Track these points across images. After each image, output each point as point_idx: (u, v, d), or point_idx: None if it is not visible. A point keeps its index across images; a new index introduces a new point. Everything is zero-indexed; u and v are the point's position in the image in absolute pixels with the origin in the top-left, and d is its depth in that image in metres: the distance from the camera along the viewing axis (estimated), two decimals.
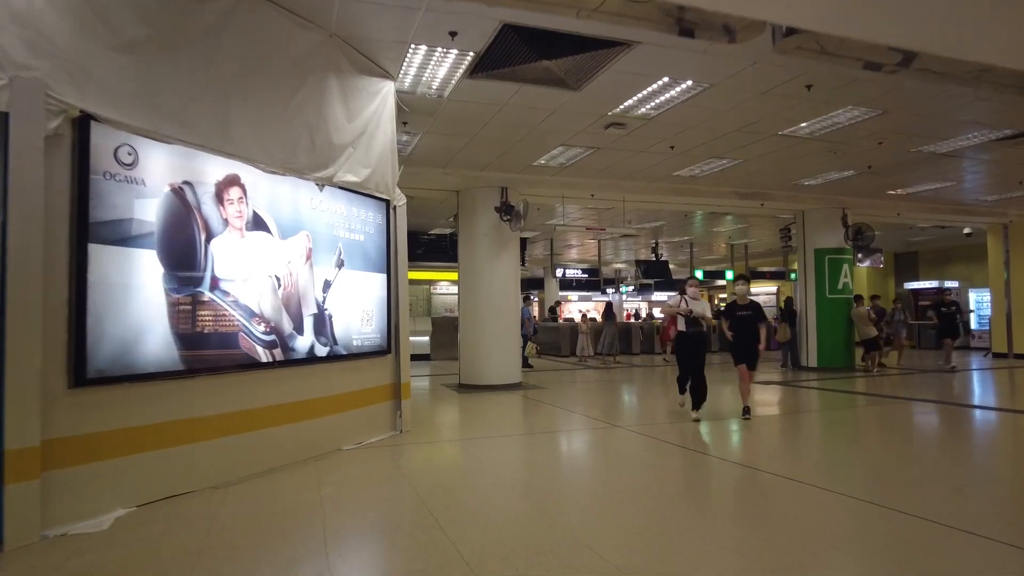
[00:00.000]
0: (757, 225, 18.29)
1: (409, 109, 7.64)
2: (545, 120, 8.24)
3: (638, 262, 22.92)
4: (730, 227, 18.82)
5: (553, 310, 22.74)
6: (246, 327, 5.07)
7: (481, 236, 10.87)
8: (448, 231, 17.84)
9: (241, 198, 5.11)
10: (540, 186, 11.45)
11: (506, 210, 10.54)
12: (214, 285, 4.83)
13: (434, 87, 7.11)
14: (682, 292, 7.50)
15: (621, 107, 7.77)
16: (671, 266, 23.91)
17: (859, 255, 13.89)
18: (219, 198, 4.92)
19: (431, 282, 21.61)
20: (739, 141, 9.31)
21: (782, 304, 15.41)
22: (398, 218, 7.02)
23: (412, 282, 21.02)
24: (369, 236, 6.56)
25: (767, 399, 9.80)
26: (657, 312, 25.56)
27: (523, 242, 19.99)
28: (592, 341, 17.42)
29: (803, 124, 8.53)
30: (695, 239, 21.79)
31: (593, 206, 14.16)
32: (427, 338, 17.28)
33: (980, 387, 11.27)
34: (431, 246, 18.73)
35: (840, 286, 13.74)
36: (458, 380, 11.06)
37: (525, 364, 14.69)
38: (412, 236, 18.82)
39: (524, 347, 15.14)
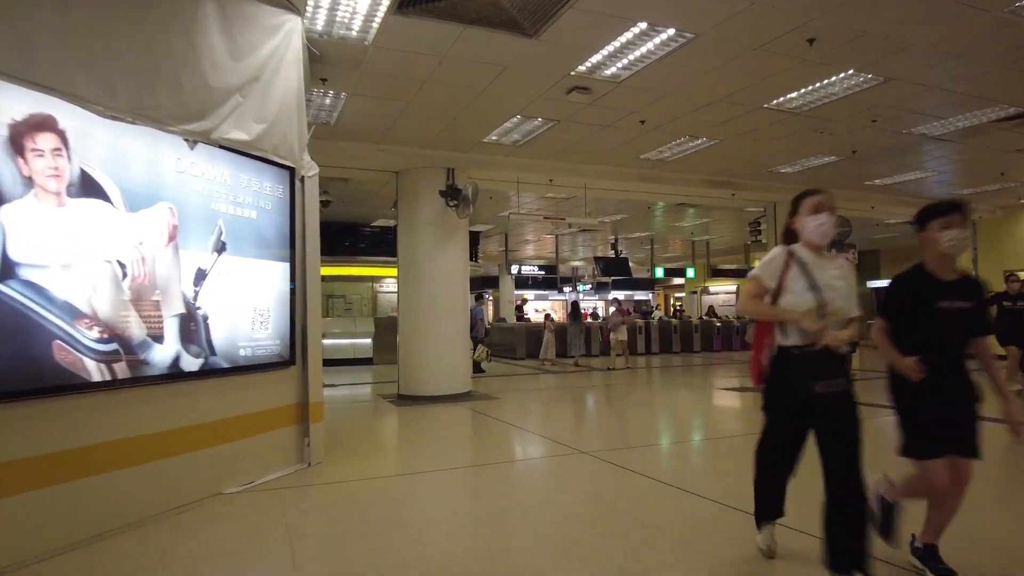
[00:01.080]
0: (720, 219, 17.33)
1: (325, 57, 6.17)
2: (496, 80, 6.88)
3: (597, 259, 21.81)
4: (692, 222, 17.82)
5: (520, 308, 21.52)
6: (66, 333, 3.56)
7: (424, 224, 9.44)
8: (393, 222, 16.35)
9: (58, 150, 3.59)
10: (492, 168, 10.08)
11: (452, 194, 9.14)
12: (6, 272, 3.31)
13: (354, 28, 5.65)
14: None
15: (587, 64, 6.46)
16: (630, 264, 22.91)
17: (832, 250, 12.99)
18: (17, 147, 3.39)
19: (376, 279, 20.03)
20: (719, 115, 8.13)
21: None
22: (308, 192, 5.56)
23: (355, 279, 19.47)
24: (265, 213, 5.08)
25: (754, 413, 8.70)
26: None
27: (476, 237, 18.69)
28: (557, 342, 16.22)
29: (793, 94, 7.39)
30: (655, 235, 20.76)
31: (552, 194, 12.88)
32: (370, 340, 15.73)
33: None
34: (376, 239, 17.16)
35: None
36: (397, 390, 9.61)
37: (477, 370, 13.34)
38: (354, 228, 17.26)
39: (474, 351, 13.80)
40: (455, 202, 9.07)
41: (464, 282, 9.86)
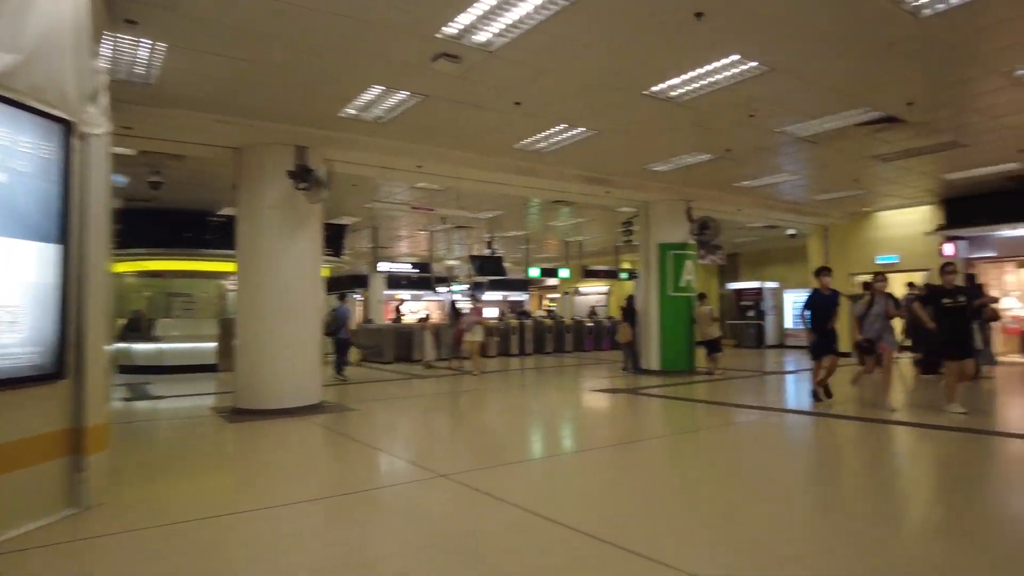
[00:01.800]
0: (594, 219, 17.20)
1: None
2: (353, 38, 5.87)
3: (473, 258, 21.08)
4: (567, 221, 17.58)
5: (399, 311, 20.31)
6: None
7: (268, 210, 8.16)
8: None
9: None
10: (354, 149, 8.97)
11: (302, 175, 7.94)
12: None
13: None
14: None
15: (455, 24, 5.62)
16: (505, 264, 22.42)
17: (702, 251, 13.12)
18: None
19: (225, 275, 18.01)
20: (598, 101, 7.61)
21: (622, 302, 14.35)
22: (94, 155, 4.27)
23: (200, 275, 17.37)
24: (19, 177, 3.75)
25: (628, 418, 8.26)
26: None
27: (340, 230, 17.30)
28: (434, 344, 15.26)
29: (676, 80, 6.99)
30: (531, 234, 20.39)
31: (424, 184, 11.94)
32: (213, 344, 13.94)
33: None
34: (224, 230, 15.22)
35: (683, 283, 12.83)
36: (234, 403, 8.24)
37: (339, 372, 12.13)
38: (198, 218, 15.31)
39: (345, 353, 12.57)
40: (305, 184, 7.89)
41: (315, 277, 8.66)
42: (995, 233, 13.68)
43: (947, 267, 7.56)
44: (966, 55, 6.43)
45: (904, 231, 15.28)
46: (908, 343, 14.14)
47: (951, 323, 7.32)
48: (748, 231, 18.47)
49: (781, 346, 21.01)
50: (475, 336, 13.12)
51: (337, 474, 5.46)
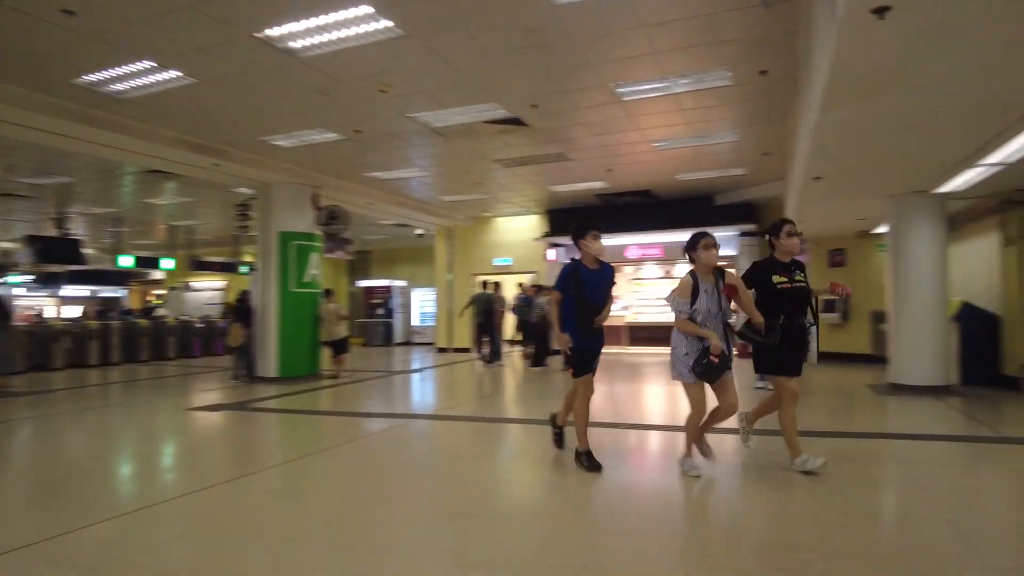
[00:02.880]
0: (206, 200, 14.61)
1: None
2: None
3: (31, 239, 16.03)
4: (171, 199, 14.58)
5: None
6: None
7: None
8: None
9: None
10: None
11: None
12: None
13: None
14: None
15: None
16: (88, 250, 17.86)
17: (329, 244, 12.01)
18: None
19: None
20: (195, 33, 5.84)
21: (234, 299, 12.37)
22: None
23: None
24: None
25: (232, 445, 6.60)
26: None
27: None
28: None
29: (296, 26, 5.69)
30: (124, 213, 16.49)
31: None
32: None
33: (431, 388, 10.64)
34: None
35: (308, 278, 11.54)
36: None
37: None
38: None
39: None
40: None
41: None
42: None
43: (785, 226, 4.64)
44: (584, 61, 6.63)
45: (517, 236, 16.61)
46: (519, 338, 15.40)
47: (787, 313, 4.42)
48: (380, 228, 18.06)
49: (408, 343, 21.27)
50: None
51: None
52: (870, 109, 4.75)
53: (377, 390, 10.08)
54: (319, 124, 8.67)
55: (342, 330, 11.51)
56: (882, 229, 11.60)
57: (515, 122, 8.60)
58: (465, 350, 17.02)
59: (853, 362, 12.42)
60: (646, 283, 17.44)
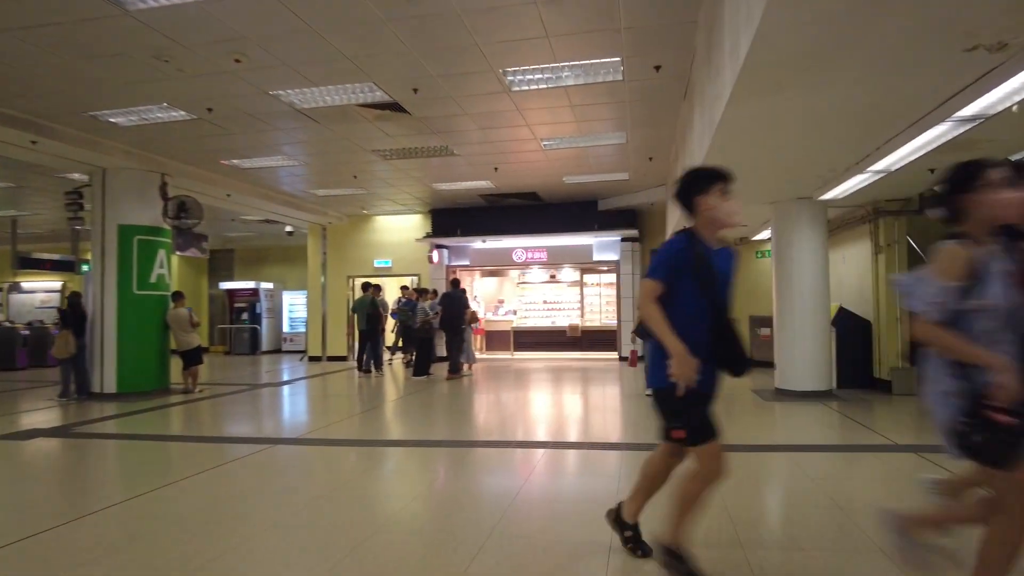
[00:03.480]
0: (33, 188, 12.53)
1: None
2: None
3: None
4: None
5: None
6: None
7: None
8: None
9: None
10: None
11: None
12: None
13: None
14: None
15: None
16: None
17: (180, 240, 10.55)
18: None
19: None
20: None
21: (63, 304, 10.59)
22: None
23: None
24: None
25: (55, 482, 5.30)
26: None
27: None
28: None
29: None
30: None
31: None
32: None
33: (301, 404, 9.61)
34: None
35: (154, 279, 10.06)
36: None
37: None
38: None
39: None
40: None
41: None
42: (470, 244, 15.12)
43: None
44: (470, 42, 6.00)
45: (398, 236, 15.71)
46: (399, 344, 14.52)
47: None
48: (245, 224, 16.47)
49: (279, 351, 19.67)
50: None
51: None
52: (776, 106, 4.49)
53: (237, 407, 8.88)
54: (163, 98, 7.43)
55: (194, 338, 10.14)
56: (761, 236, 11.94)
57: (394, 108, 7.82)
58: (341, 358, 15.87)
59: None
60: (531, 287, 17.15)
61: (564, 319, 16.32)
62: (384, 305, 12.89)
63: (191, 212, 10.33)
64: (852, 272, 9.50)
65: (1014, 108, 4.12)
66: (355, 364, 12.94)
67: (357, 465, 5.37)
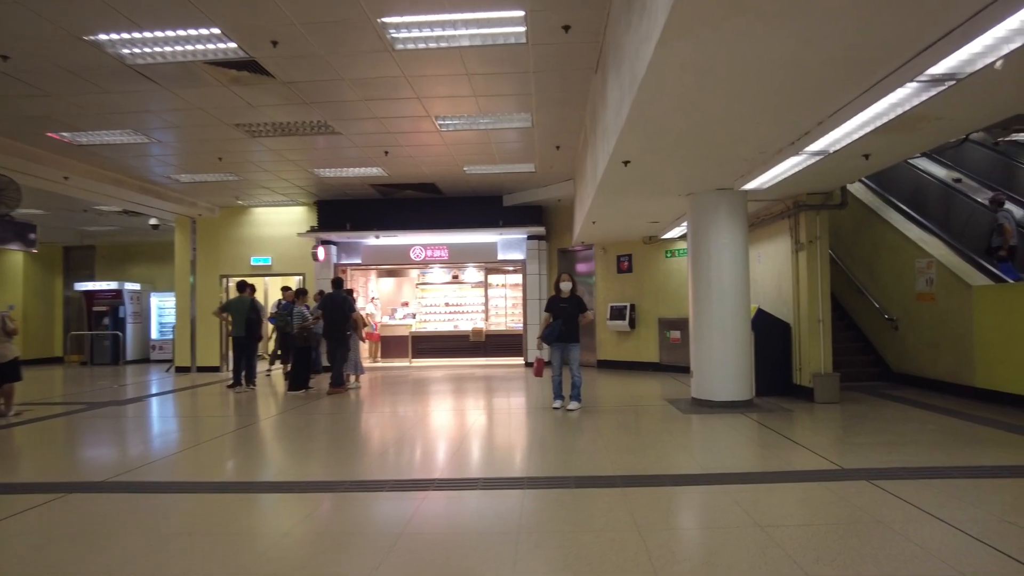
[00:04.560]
0: None
1: None
2: None
3: None
4: None
5: None
6: None
7: None
8: None
9: None
10: None
11: None
12: None
13: None
14: None
15: None
16: None
17: None
18: None
19: None
20: None
21: None
22: None
23: None
24: None
25: None
26: None
27: None
28: None
29: None
30: None
31: None
32: None
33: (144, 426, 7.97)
34: None
35: None
36: None
37: None
38: None
39: None
40: None
41: None
42: (362, 241, 13.71)
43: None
44: None
45: (279, 231, 14.05)
46: (278, 353, 12.89)
47: None
48: (103, 216, 14.24)
49: (147, 361, 17.38)
50: None
51: None
52: (718, 49, 3.57)
53: (52, 436, 7.13)
54: None
55: (9, 349, 8.22)
56: (671, 234, 11.31)
57: (252, 68, 6.44)
58: (212, 369, 14.00)
59: (642, 371, 12.02)
60: (432, 288, 15.91)
61: (468, 323, 15.19)
62: (262, 308, 11.29)
63: (6, 195, 8.44)
64: (770, 271, 8.93)
65: (998, 65, 3.41)
66: (231, 376, 11.21)
67: (161, 525, 4.00)
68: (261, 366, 12.44)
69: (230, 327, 10.69)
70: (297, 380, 10.03)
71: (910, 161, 10.62)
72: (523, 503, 4.06)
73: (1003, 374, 7.05)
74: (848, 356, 9.30)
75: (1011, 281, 7.56)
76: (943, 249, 8.31)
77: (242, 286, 10.72)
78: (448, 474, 4.92)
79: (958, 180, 10.23)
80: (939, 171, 10.56)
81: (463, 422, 7.35)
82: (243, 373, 10.56)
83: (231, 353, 10.97)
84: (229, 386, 10.69)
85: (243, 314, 10.42)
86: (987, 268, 7.86)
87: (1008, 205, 8.87)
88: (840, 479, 4.41)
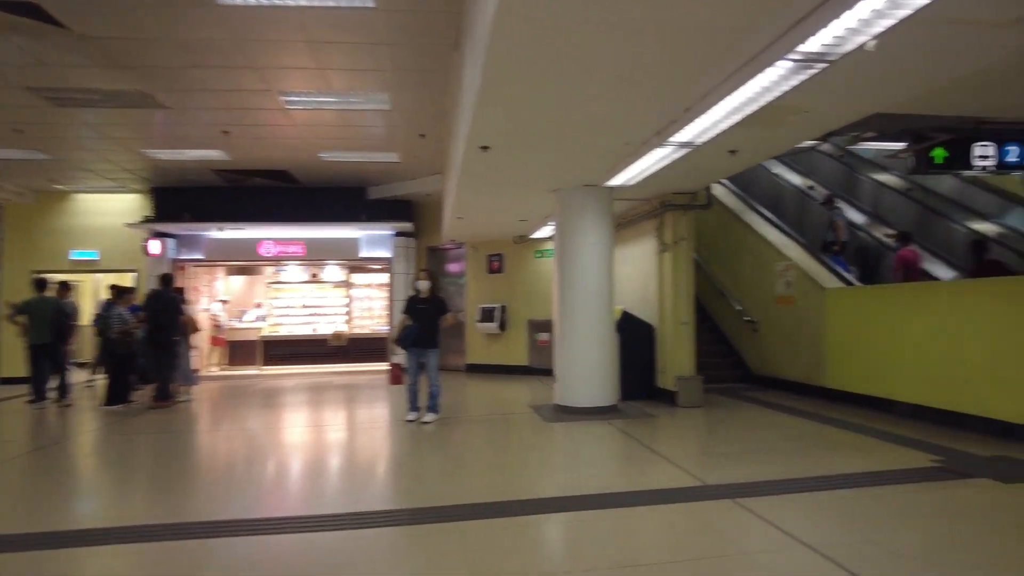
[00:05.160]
0: None
1: None
2: None
3: None
4: None
5: None
6: None
7: None
8: None
9: None
10: None
11: None
12: None
13: None
14: None
15: None
16: None
17: None
18: None
19: None
20: None
21: None
22: None
23: None
24: None
25: None
26: None
27: None
28: None
29: None
30: None
31: None
32: None
33: None
34: None
35: None
36: None
37: None
38: None
39: None
40: None
41: None
42: (204, 234, 12.23)
43: None
44: None
45: (109, 221, 12.25)
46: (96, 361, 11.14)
47: None
48: None
49: None
50: None
51: None
52: (563, 6, 3.01)
53: None
54: None
55: None
56: (540, 234, 10.94)
57: (34, 13, 5.20)
58: (21, 380, 11.90)
59: (511, 374, 11.56)
60: (288, 288, 14.59)
61: (328, 325, 14.06)
62: (73, 310, 9.64)
63: None
64: (634, 272, 8.73)
65: (870, 45, 3.13)
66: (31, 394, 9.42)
67: None
68: (82, 376, 10.71)
69: (27, 332, 8.97)
70: (115, 393, 8.57)
71: (770, 168, 10.93)
72: (342, 546, 3.31)
73: (850, 374, 7.20)
74: (711, 359, 9.30)
75: (843, 272, 7.93)
76: (800, 252, 8.48)
77: (41, 284, 9.07)
78: (243, 513, 4.00)
79: (811, 187, 10.66)
80: (795, 178, 10.95)
81: (298, 442, 6.44)
82: (47, 386, 8.92)
83: (30, 363, 9.18)
84: (29, 401, 9.00)
85: (45, 317, 8.79)
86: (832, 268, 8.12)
87: (839, 203, 9.58)
88: (704, 498, 4.04)
